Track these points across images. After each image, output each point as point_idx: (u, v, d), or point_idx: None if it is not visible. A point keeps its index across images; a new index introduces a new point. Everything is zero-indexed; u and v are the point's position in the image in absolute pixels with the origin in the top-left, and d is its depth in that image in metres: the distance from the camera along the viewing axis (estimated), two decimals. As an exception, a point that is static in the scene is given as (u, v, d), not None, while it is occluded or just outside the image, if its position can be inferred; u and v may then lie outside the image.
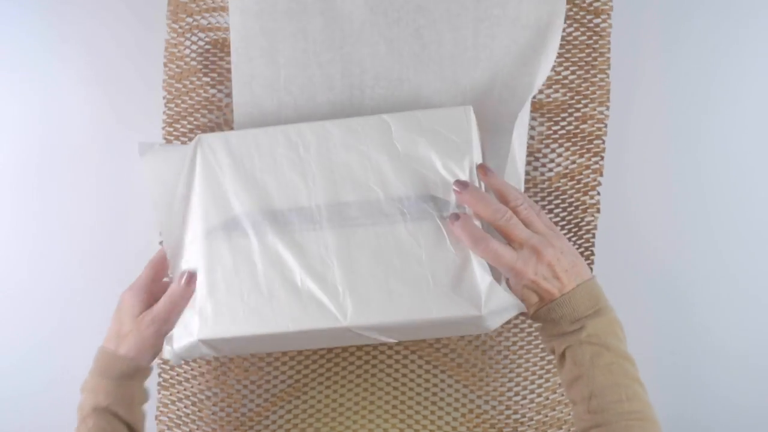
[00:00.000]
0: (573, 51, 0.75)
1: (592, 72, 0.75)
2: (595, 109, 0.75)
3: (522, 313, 0.63)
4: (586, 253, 0.74)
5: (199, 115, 0.75)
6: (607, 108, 0.74)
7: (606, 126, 0.75)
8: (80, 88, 0.82)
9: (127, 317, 0.65)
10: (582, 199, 0.75)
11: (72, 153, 0.82)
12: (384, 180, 0.64)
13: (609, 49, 0.75)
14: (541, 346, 0.74)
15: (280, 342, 0.65)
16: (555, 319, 0.59)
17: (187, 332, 0.63)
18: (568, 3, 0.74)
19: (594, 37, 0.75)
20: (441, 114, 0.65)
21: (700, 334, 0.81)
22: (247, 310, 0.62)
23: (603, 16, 0.75)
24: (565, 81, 0.75)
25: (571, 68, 0.75)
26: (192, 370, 0.75)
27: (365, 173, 0.64)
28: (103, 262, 0.82)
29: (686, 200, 0.80)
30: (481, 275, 0.61)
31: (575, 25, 0.75)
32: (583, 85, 0.75)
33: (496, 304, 0.60)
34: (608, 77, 0.74)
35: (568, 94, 0.75)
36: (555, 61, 0.74)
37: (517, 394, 0.74)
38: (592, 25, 0.75)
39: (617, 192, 0.77)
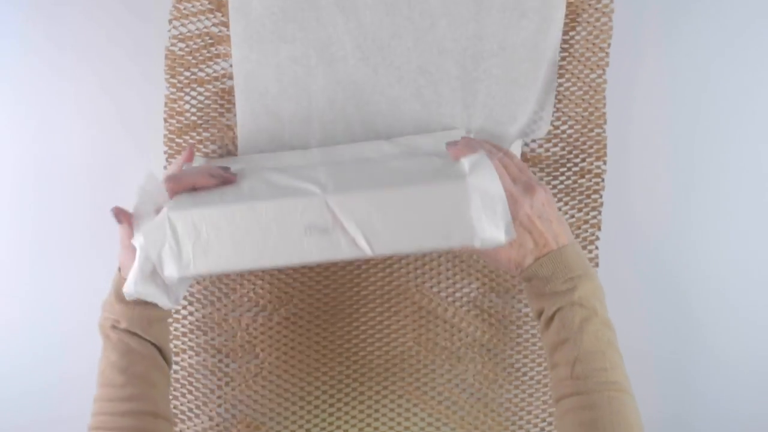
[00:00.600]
0: (570, 106, 0.76)
1: (588, 126, 0.76)
2: (592, 164, 0.76)
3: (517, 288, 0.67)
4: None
5: (199, 170, 0.75)
6: (604, 162, 0.76)
7: (603, 180, 0.76)
8: (78, 98, 0.81)
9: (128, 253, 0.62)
10: (579, 250, 0.76)
11: (69, 164, 0.81)
12: (381, 151, 0.70)
13: (604, 104, 0.76)
14: (543, 398, 0.76)
15: (257, 238, 0.60)
16: (547, 276, 0.59)
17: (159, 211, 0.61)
18: (567, 57, 0.76)
19: (590, 92, 0.76)
20: (439, 133, 0.72)
21: (701, 339, 0.84)
22: (224, 196, 0.61)
23: (598, 71, 0.76)
24: (563, 135, 0.76)
25: (569, 122, 0.76)
26: (195, 425, 0.74)
27: (363, 152, 0.70)
28: (102, 266, 0.81)
29: (687, 249, 0.82)
30: (469, 157, 0.61)
31: (573, 80, 0.76)
32: (581, 139, 0.76)
33: (483, 178, 0.59)
34: (604, 132, 0.76)
35: (566, 149, 0.76)
36: (553, 116, 0.76)
37: (518, 445, 0.76)
38: (588, 80, 0.76)
39: (616, 247, 0.79)
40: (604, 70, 0.76)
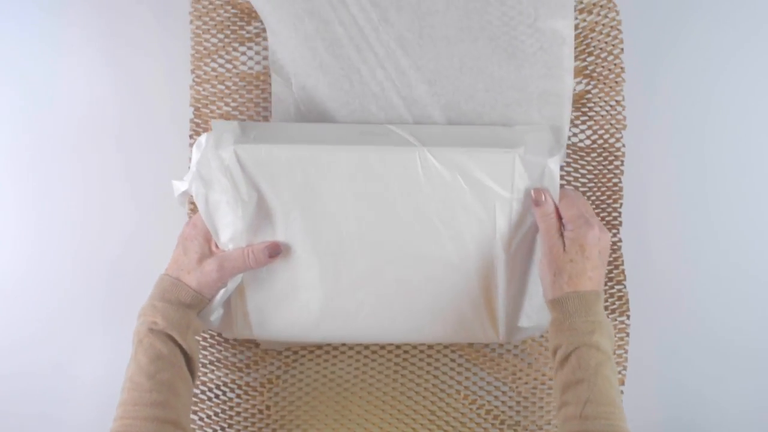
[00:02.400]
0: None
1: (609, 284, 0.79)
2: (615, 320, 0.79)
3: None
4: None
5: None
6: (628, 317, 0.78)
7: (628, 335, 0.79)
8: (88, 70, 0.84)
9: (193, 249, 0.67)
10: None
11: (73, 150, 0.83)
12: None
13: (623, 261, 0.80)
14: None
15: (318, 132, 0.69)
16: (570, 311, 0.63)
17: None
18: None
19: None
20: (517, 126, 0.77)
21: (703, 340, 0.88)
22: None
23: (613, 231, 0.80)
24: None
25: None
26: None
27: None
28: (103, 261, 0.83)
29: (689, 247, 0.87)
30: None
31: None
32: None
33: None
34: (625, 287, 0.79)
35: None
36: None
37: None
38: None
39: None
40: (618, 229, 0.81)
